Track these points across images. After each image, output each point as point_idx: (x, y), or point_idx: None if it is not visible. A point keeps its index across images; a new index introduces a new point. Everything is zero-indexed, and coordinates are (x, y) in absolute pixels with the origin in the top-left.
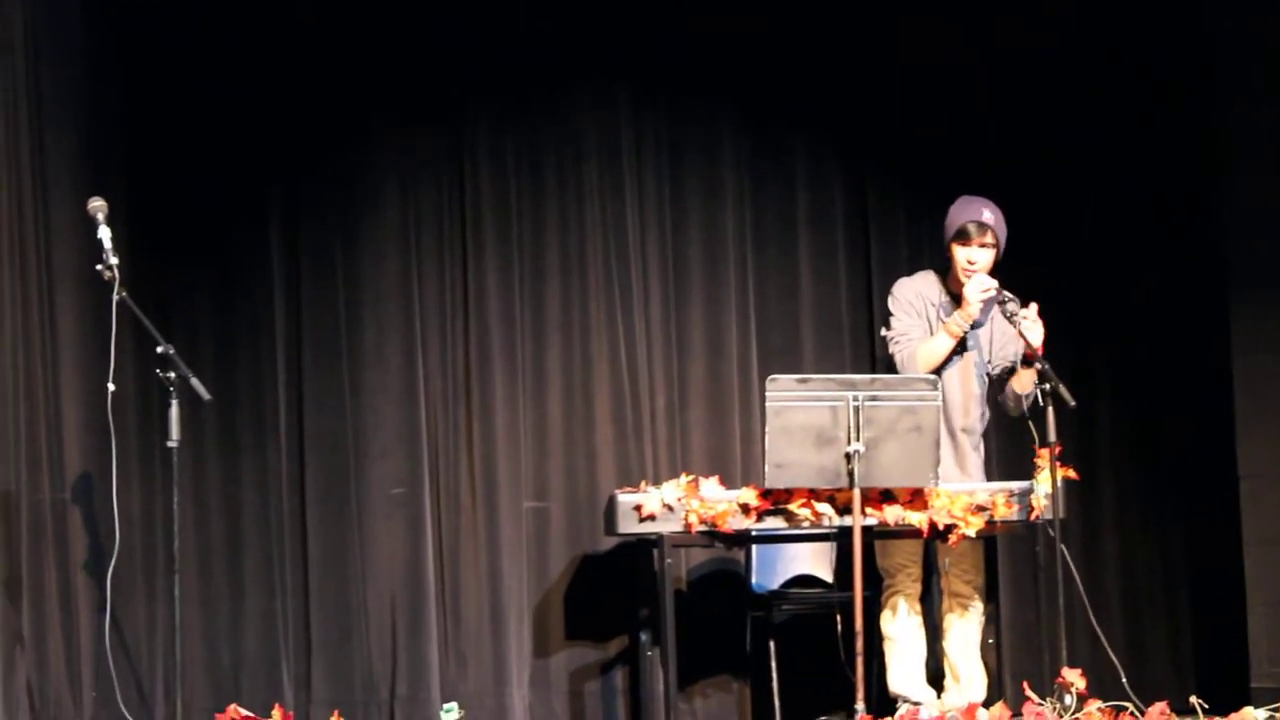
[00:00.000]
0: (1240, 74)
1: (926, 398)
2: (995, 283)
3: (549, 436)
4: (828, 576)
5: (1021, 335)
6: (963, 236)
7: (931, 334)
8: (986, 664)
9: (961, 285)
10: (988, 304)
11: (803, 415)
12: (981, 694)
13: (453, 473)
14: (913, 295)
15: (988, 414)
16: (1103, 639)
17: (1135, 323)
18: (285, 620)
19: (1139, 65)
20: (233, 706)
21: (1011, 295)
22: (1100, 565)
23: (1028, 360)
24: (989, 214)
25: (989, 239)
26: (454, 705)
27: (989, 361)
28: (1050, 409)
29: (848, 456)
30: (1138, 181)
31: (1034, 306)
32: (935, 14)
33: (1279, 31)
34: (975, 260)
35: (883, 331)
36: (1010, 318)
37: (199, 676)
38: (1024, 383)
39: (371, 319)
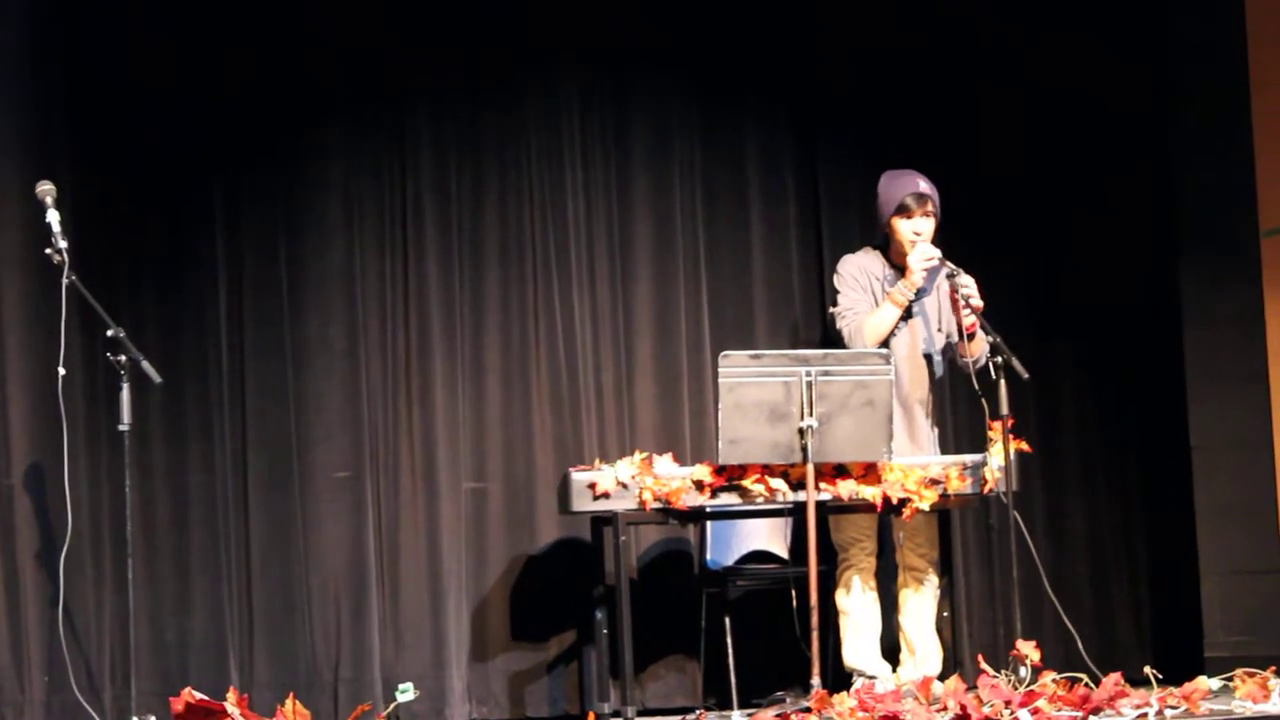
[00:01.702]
0: (1189, 68)
1: (879, 372)
2: (938, 252)
3: (487, 417)
4: (782, 552)
5: (966, 305)
6: (904, 210)
7: (877, 306)
8: (942, 637)
9: (904, 258)
10: (932, 273)
11: (756, 391)
12: (937, 667)
13: (393, 456)
14: (857, 270)
15: (939, 381)
16: (1059, 608)
17: (1092, 296)
18: (231, 604)
19: (1090, 32)
20: (187, 690)
21: (956, 267)
22: (1067, 537)
23: (970, 333)
24: (925, 184)
25: (929, 208)
26: (409, 685)
27: (940, 329)
28: (1002, 381)
29: (801, 432)
30: (1089, 156)
31: (971, 281)
32: None
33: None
34: (920, 231)
35: (830, 309)
36: (955, 291)
37: (145, 659)
38: (972, 349)
39: (314, 305)
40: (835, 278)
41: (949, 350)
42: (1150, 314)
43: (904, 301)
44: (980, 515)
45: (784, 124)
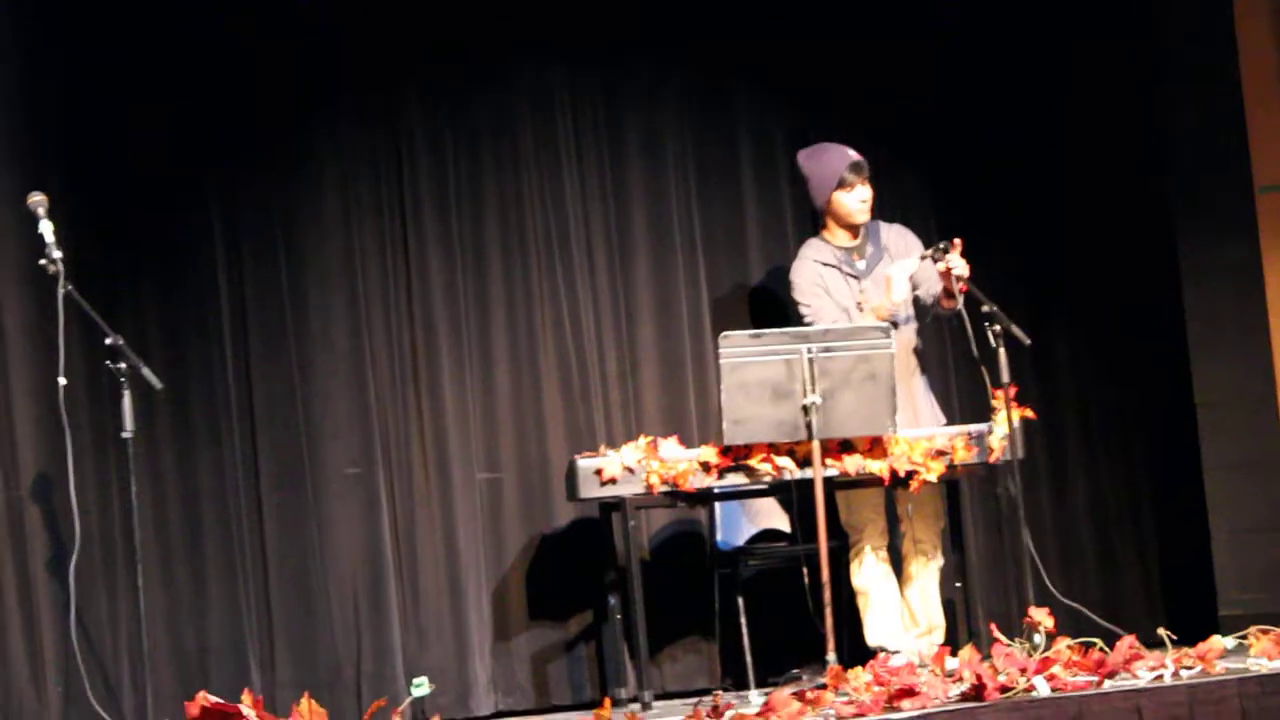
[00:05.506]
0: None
1: (879, 346)
2: (907, 275)
3: (498, 408)
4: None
5: (951, 279)
6: (844, 183)
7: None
8: (954, 609)
9: (844, 223)
10: (873, 233)
11: (758, 370)
12: (940, 640)
13: (405, 450)
14: (811, 273)
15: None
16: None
17: (1086, 255)
18: (248, 604)
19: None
20: (201, 693)
21: (933, 248)
22: (1070, 503)
23: (950, 294)
24: (853, 152)
25: (866, 174)
26: (424, 680)
27: (915, 289)
28: (1002, 349)
29: (805, 409)
30: (1081, 119)
31: (958, 243)
32: None
33: None
34: (865, 199)
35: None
36: (938, 264)
37: (164, 665)
38: (956, 301)
39: (317, 302)
40: (792, 289)
41: (917, 304)
42: (1147, 271)
43: (886, 317)
44: (986, 485)
45: (775, 106)
